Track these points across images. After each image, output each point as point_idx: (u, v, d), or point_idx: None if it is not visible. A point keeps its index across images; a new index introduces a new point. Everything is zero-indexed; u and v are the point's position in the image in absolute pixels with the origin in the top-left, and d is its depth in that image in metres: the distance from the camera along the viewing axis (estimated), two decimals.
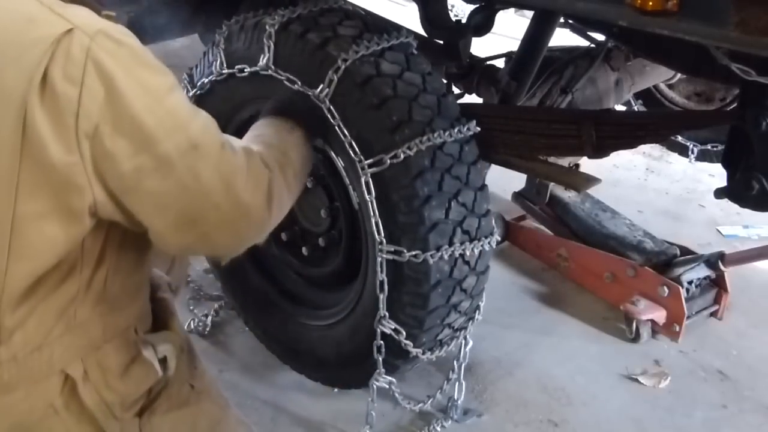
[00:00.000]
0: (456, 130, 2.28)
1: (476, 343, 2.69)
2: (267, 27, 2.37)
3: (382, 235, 2.26)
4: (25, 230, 1.37)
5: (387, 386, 2.50)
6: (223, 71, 2.54)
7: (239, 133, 2.69)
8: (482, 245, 2.34)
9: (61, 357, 1.52)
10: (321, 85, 2.25)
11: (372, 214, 2.25)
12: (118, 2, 3.11)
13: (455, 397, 2.71)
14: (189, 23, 3.55)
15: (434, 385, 2.75)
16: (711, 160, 4.33)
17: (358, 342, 2.51)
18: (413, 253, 2.22)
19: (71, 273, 1.48)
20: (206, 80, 2.62)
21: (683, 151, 4.36)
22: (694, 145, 4.23)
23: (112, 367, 1.59)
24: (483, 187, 2.37)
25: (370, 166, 2.22)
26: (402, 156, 2.18)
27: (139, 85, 1.36)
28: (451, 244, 2.26)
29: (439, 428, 2.70)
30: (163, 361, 1.70)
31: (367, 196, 2.25)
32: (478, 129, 2.35)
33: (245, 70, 2.47)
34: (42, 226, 1.38)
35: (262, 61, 2.39)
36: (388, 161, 2.19)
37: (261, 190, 1.61)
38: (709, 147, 4.20)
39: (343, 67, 2.23)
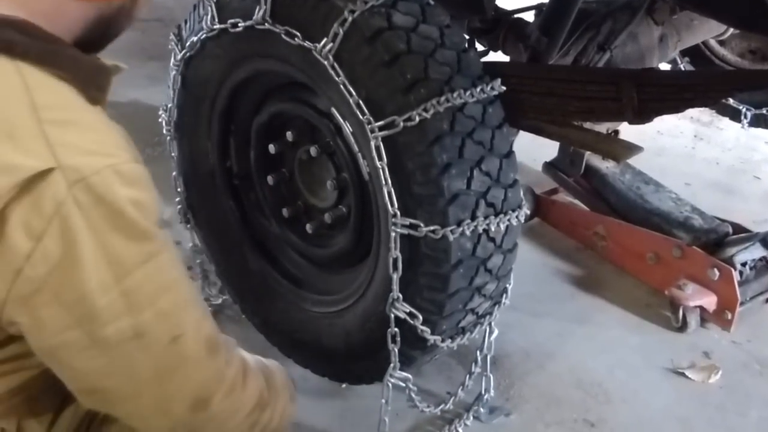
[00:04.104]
0: (478, 89, 2.24)
1: (503, 333, 2.68)
2: None
3: (396, 206, 2.23)
4: None
5: (402, 384, 2.47)
6: (215, 27, 2.51)
7: (234, 98, 2.72)
8: (509, 219, 2.31)
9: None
10: (324, 40, 2.22)
11: (384, 183, 2.23)
12: None
13: (481, 394, 2.70)
14: None
15: (455, 381, 2.74)
16: (767, 126, 4.30)
17: (369, 331, 2.49)
18: (431, 228, 2.19)
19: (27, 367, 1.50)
20: (196, 38, 2.59)
21: (735, 115, 4.35)
22: (747, 109, 4.22)
23: (46, 414, 1.62)
24: (509, 154, 2.33)
25: (380, 129, 2.19)
26: (417, 119, 2.14)
27: (104, 256, 1.29)
28: (473, 218, 2.23)
29: (461, 429, 2.69)
30: None
31: (377, 163, 2.22)
32: (504, 89, 2.32)
33: (239, 24, 2.44)
34: None
35: (258, 14, 2.36)
36: (402, 124, 2.15)
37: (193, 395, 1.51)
38: (764, 111, 4.18)
39: (350, 19, 2.19)
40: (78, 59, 1.37)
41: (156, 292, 1.38)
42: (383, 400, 2.50)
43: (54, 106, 1.29)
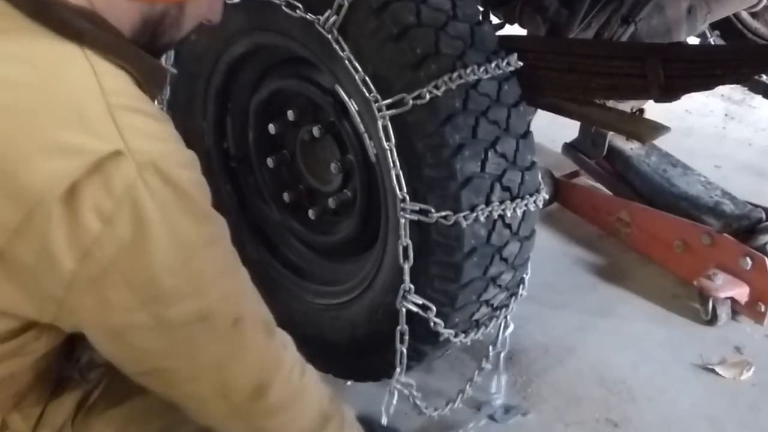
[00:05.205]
0: (493, 65, 2.23)
1: (520, 327, 2.68)
2: None
3: (405, 190, 2.22)
4: None
5: (405, 391, 2.48)
6: None
7: (231, 75, 2.69)
8: (526, 204, 2.30)
9: None
10: (328, 12, 2.21)
11: (392, 165, 2.22)
12: None
13: (495, 393, 2.68)
14: None
15: (468, 378, 2.71)
16: None
17: (376, 324, 2.49)
18: (443, 213, 2.18)
19: (19, 354, 1.52)
20: None
21: None
22: None
23: (33, 408, 1.66)
24: (527, 134, 2.32)
25: (388, 107, 2.18)
26: (427, 96, 2.13)
27: (173, 238, 1.36)
28: (488, 203, 2.22)
29: (474, 430, 2.68)
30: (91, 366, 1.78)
31: (385, 144, 2.21)
32: (521, 64, 2.31)
33: None
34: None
35: None
36: (411, 102, 2.14)
37: (257, 380, 1.59)
38: None
39: None
40: (141, 55, 1.45)
41: (219, 275, 1.47)
42: (382, 408, 2.50)
43: (121, 93, 1.36)
